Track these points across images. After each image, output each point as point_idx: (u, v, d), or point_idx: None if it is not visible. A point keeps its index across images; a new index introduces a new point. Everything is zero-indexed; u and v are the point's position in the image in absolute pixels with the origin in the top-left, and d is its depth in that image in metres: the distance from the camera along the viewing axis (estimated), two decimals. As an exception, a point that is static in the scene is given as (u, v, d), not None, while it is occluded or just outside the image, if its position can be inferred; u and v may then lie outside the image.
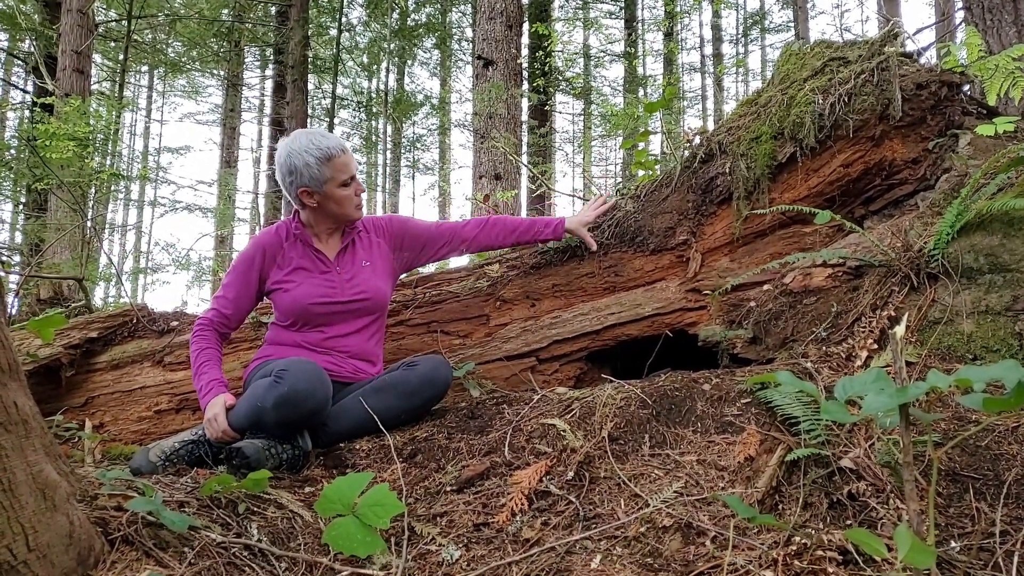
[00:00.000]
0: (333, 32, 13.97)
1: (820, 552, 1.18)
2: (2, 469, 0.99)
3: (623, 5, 16.24)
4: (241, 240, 20.28)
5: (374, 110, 17.64)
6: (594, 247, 2.72)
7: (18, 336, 2.61)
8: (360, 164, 20.20)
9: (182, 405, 2.67)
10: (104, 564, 1.14)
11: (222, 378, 2.23)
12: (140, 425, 2.66)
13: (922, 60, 2.61)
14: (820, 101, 2.51)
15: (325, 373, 2.07)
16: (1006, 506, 1.31)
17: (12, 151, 9.85)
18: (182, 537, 1.28)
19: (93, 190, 7.45)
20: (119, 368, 2.75)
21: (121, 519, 1.25)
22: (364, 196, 2.42)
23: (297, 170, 2.26)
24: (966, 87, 2.57)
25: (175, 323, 2.86)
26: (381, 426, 2.08)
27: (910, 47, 2.65)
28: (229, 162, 18.66)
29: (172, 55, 16.02)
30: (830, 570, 1.14)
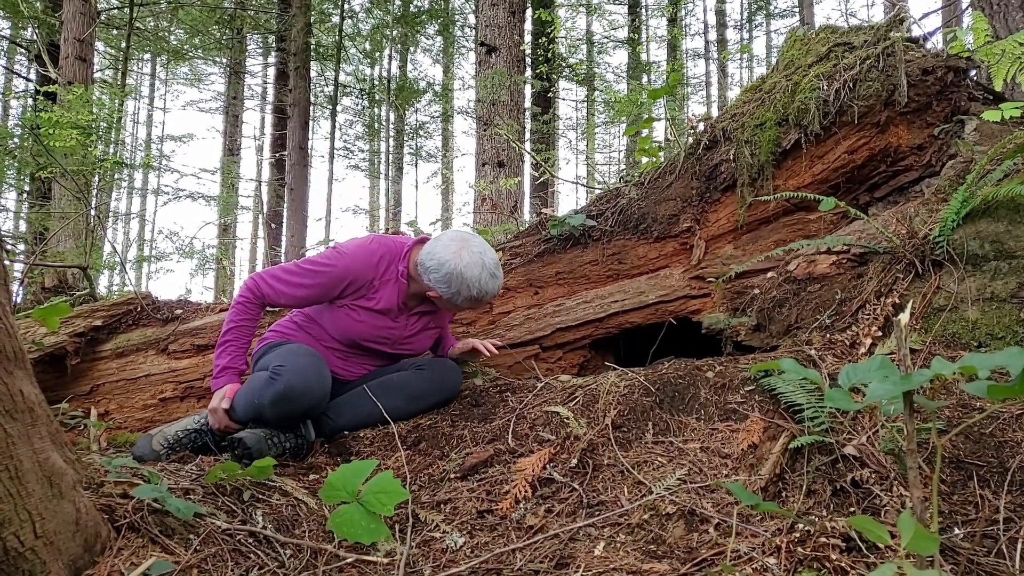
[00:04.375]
0: (335, 19, 13.90)
1: (823, 539, 1.18)
2: (8, 457, 0.99)
3: (627, -10, 16.13)
4: (244, 228, 20.26)
5: (377, 97, 17.56)
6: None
7: (23, 324, 2.61)
8: (363, 152, 20.17)
9: (187, 393, 2.68)
10: (110, 551, 1.15)
11: (240, 365, 2.20)
12: (145, 413, 2.68)
13: (928, 45, 2.59)
14: (825, 87, 2.49)
15: (324, 367, 2.07)
16: (1010, 493, 1.31)
17: (15, 139, 9.83)
18: (188, 524, 1.29)
19: (96, 178, 7.43)
20: (124, 356, 2.76)
21: (127, 506, 1.25)
22: None
23: (449, 283, 2.11)
24: (972, 72, 2.55)
25: (179, 311, 2.86)
26: (389, 418, 2.08)
27: (916, 32, 2.64)
28: (232, 150, 18.62)
29: (174, 43, 15.94)
30: (833, 557, 1.14)
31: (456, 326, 2.78)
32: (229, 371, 2.17)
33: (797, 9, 16.92)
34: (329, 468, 1.90)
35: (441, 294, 2.15)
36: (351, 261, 2.17)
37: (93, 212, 6.66)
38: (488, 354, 2.38)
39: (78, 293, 3.56)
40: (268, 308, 2.37)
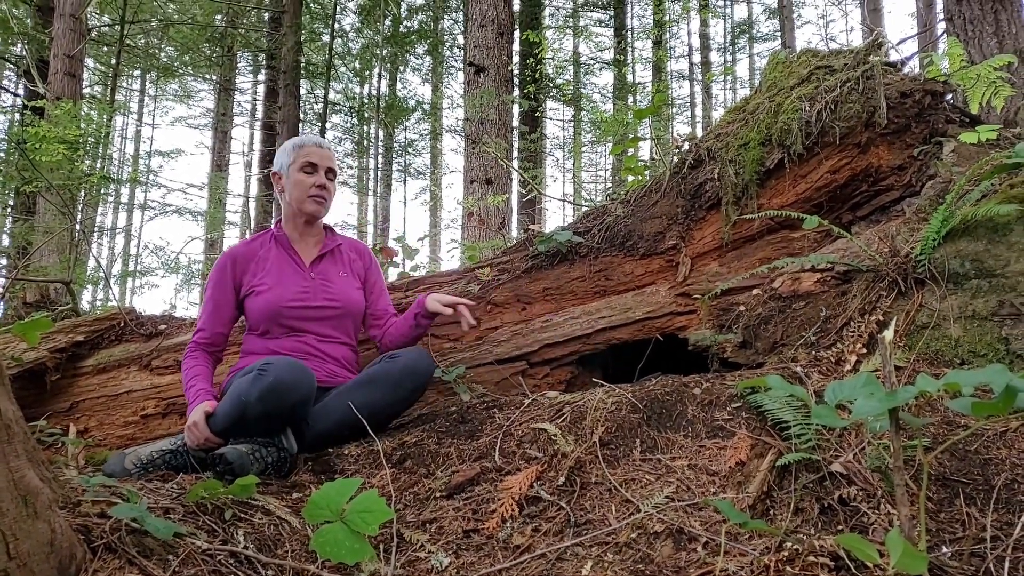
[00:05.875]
0: (326, 38, 13.97)
1: (812, 558, 1.17)
2: (-18, 474, 0.97)
3: (612, 14, 16.31)
4: (231, 243, 20.13)
5: (366, 115, 17.63)
6: (468, 316, 2.40)
7: (3, 340, 2.57)
8: (352, 168, 20.20)
9: (169, 410, 2.65)
10: (86, 572, 1.12)
11: (210, 388, 2.21)
12: (126, 430, 2.63)
13: (906, 69, 2.64)
14: (807, 108, 2.52)
15: (308, 367, 2.07)
16: (996, 511, 1.30)
17: (1, 153, 9.77)
18: (167, 544, 1.26)
19: (83, 193, 7.39)
20: (105, 372, 2.72)
21: (104, 526, 1.23)
22: (330, 197, 2.45)
23: (280, 158, 2.44)
24: (949, 96, 2.60)
25: (163, 327, 2.83)
26: (366, 425, 2.04)
27: (894, 57, 2.68)
28: (220, 166, 18.59)
29: (165, 59, 15.97)
30: None
31: (443, 341, 2.77)
32: (204, 392, 2.17)
33: (779, 33, 17.21)
34: (313, 486, 1.87)
35: (275, 169, 2.44)
36: (230, 249, 2.44)
37: (78, 227, 6.60)
38: (466, 321, 2.37)
39: (60, 308, 3.52)
40: (214, 349, 2.36)
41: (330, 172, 2.44)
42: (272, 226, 2.48)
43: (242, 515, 1.51)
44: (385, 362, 2.26)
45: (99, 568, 1.15)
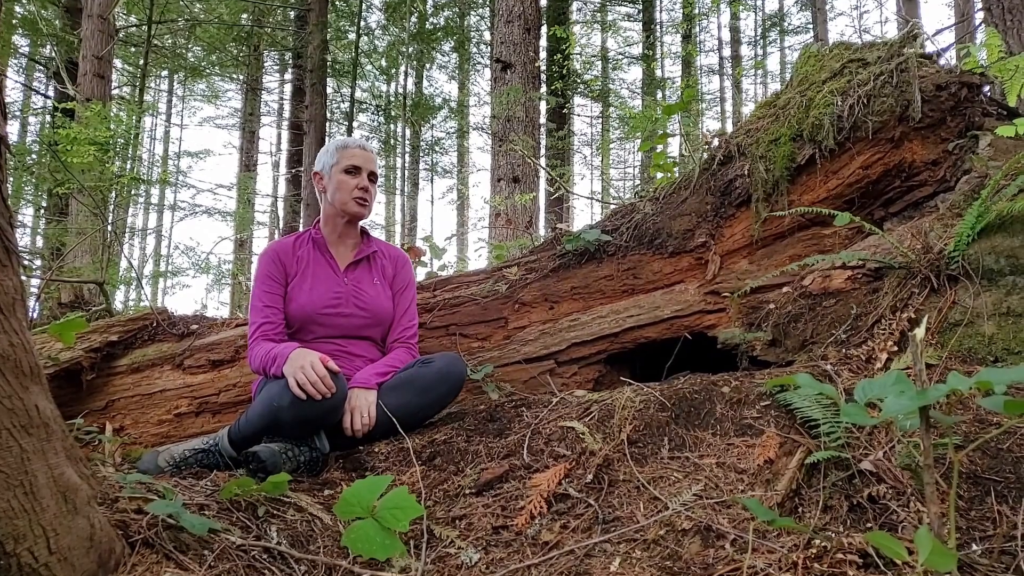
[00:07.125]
0: (352, 36, 14.07)
1: (840, 555, 1.17)
2: (24, 472, 1.00)
3: (641, 8, 16.18)
4: (260, 243, 20.44)
5: (393, 114, 17.72)
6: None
7: (39, 340, 2.64)
8: (379, 167, 20.33)
9: (201, 408, 2.70)
10: (124, 567, 1.15)
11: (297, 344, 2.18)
12: (160, 428, 2.69)
13: (942, 61, 2.59)
14: (839, 103, 2.49)
15: (339, 372, 2.09)
16: (1029, 510, 1.29)
17: (33, 156, 10.00)
18: (202, 540, 1.29)
19: (114, 194, 7.53)
20: (139, 371, 2.77)
21: (141, 522, 1.26)
22: (372, 199, 2.46)
23: (322, 157, 2.47)
24: (986, 88, 2.54)
25: (195, 326, 2.88)
26: (399, 426, 2.08)
27: (930, 48, 2.63)
28: (248, 166, 18.80)
29: (192, 60, 16.20)
30: (850, 573, 1.13)
31: (471, 340, 2.79)
32: (290, 345, 2.13)
33: (811, 26, 16.92)
34: (344, 483, 1.89)
35: (317, 170, 2.48)
36: (272, 244, 2.46)
37: (110, 228, 6.73)
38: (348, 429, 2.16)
39: (94, 308, 3.60)
40: (279, 338, 2.38)
41: (372, 175, 2.46)
42: (303, 227, 2.49)
43: (275, 512, 1.54)
44: (419, 367, 2.27)
45: (137, 562, 1.18)
